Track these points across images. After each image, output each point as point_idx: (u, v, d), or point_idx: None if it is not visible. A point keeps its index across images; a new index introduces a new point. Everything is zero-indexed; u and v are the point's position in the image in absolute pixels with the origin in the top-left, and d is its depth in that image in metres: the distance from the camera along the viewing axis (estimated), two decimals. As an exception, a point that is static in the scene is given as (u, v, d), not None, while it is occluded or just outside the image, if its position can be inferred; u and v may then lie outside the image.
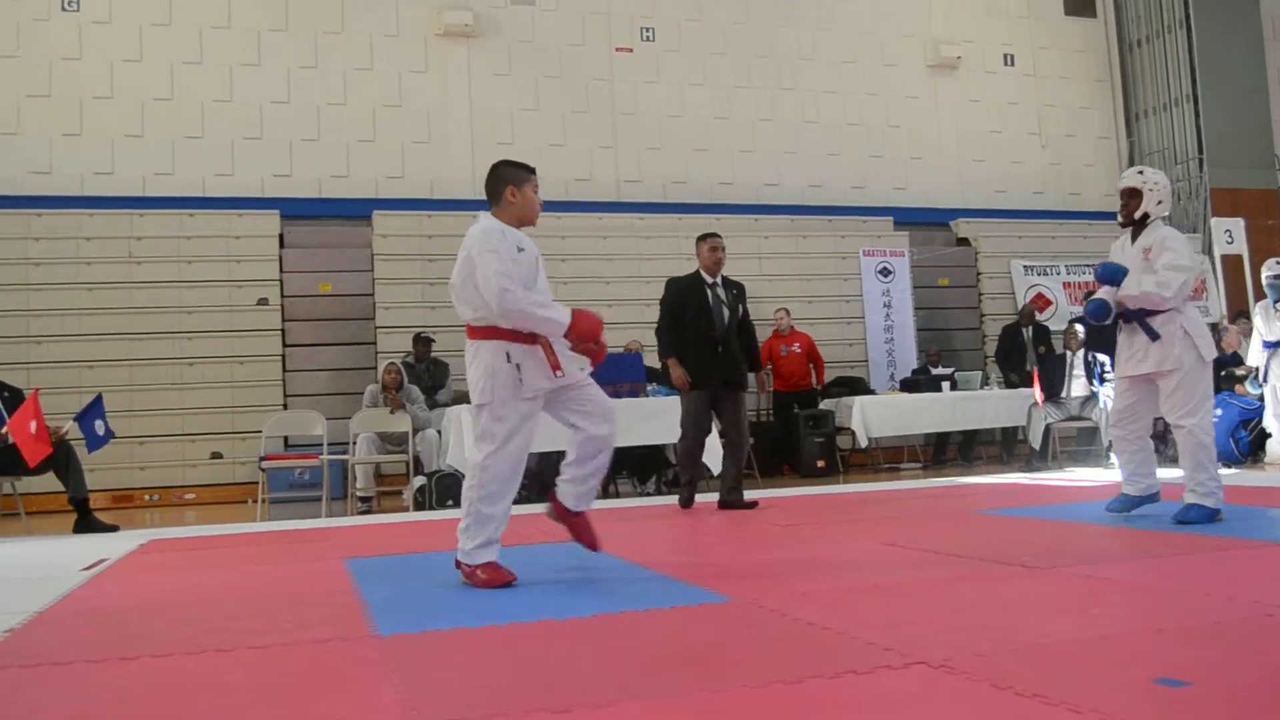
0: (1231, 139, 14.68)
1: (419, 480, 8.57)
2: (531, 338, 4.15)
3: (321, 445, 8.78)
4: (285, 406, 10.66)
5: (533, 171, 4.39)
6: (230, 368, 10.81)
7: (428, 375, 10.04)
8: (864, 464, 11.65)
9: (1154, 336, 5.05)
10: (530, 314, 4.09)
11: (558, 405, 4.31)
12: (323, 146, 12.04)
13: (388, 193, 12.13)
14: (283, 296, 11.16)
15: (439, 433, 8.94)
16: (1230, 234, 13.46)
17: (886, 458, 12.04)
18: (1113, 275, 5.16)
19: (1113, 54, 15.79)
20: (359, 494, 8.86)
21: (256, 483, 8.93)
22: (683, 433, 7.48)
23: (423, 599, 3.91)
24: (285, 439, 10.06)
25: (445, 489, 8.44)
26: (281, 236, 11.46)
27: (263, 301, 11.00)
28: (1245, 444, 9.69)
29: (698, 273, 7.57)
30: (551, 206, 12.27)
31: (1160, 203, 5.23)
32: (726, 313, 7.38)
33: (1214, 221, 13.67)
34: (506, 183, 4.30)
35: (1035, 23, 15.35)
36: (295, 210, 11.74)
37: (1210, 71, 14.76)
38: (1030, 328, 12.28)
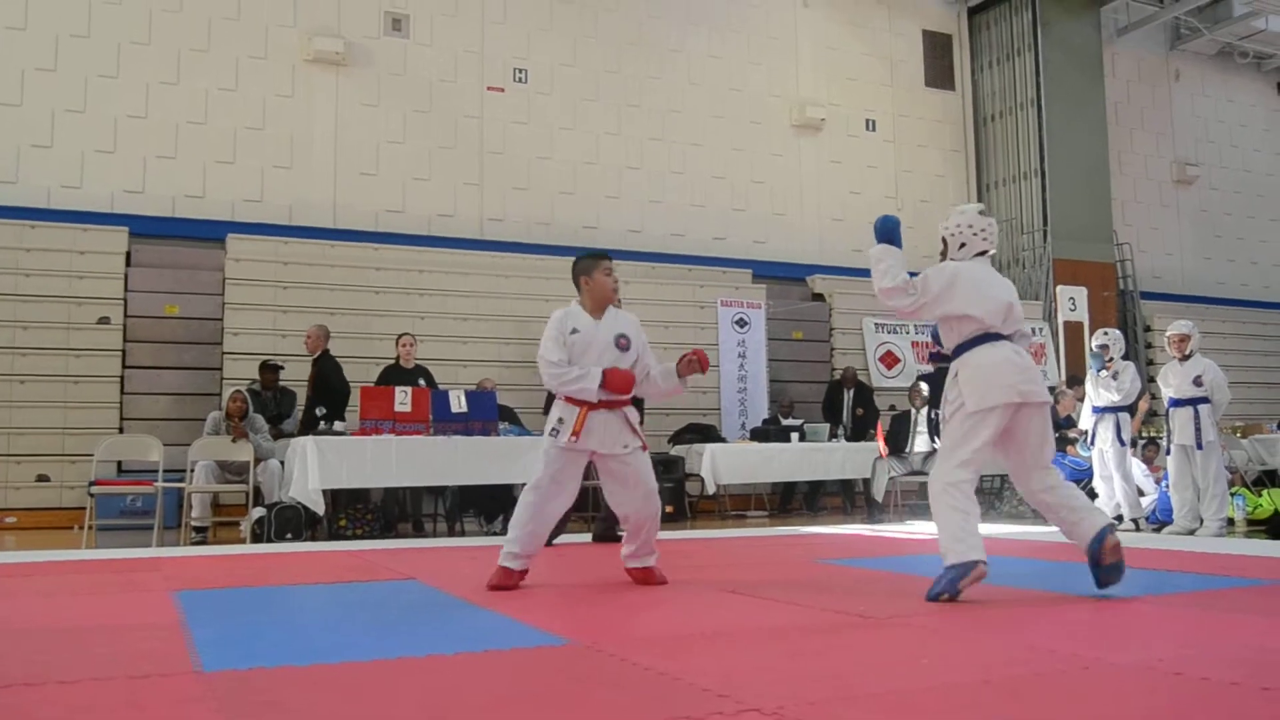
0: (1075, 213, 15.42)
1: (258, 511, 8.32)
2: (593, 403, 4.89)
3: (157, 472, 8.47)
4: (121, 430, 10.24)
5: (604, 256, 5.15)
6: (64, 387, 10.33)
7: (274, 404, 9.79)
8: (711, 510, 11.76)
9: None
10: (561, 387, 4.92)
11: (606, 472, 5.07)
12: (179, 164, 11.71)
13: (244, 216, 11.85)
14: (126, 316, 10.74)
15: (282, 463, 8.71)
16: (1074, 301, 14.11)
17: (734, 505, 12.18)
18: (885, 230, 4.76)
19: (968, 126, 16.47)
20: (194, 523, 8.55)
21: (85, 508, 8.53)
22: None
23: (253, 635, 3.78)
24: (119, 464, 9.68)
25: (285, 521, 8.21)
26: (129, 254, 11.06)
27: (104, 320, 10.58)
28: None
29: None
30: (412, 240, 12.33)
31: (963, 245, 4.73)
32: None
33: (1060, 289, 14.30)
34: (579, 274, 5.09)
35: (898, 91, 15.92)
36: (145, 228, 11.36)
37: (1057, 149, 15.51)
38: (852, 390, 12.60)
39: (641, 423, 5.18)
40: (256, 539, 8.19)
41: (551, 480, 4.95)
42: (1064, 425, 11.05)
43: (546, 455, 4.96)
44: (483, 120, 13.21)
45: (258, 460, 8.64)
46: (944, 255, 4.82)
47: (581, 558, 6.93)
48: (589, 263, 5.09)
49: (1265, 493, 9.91)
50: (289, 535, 8.18)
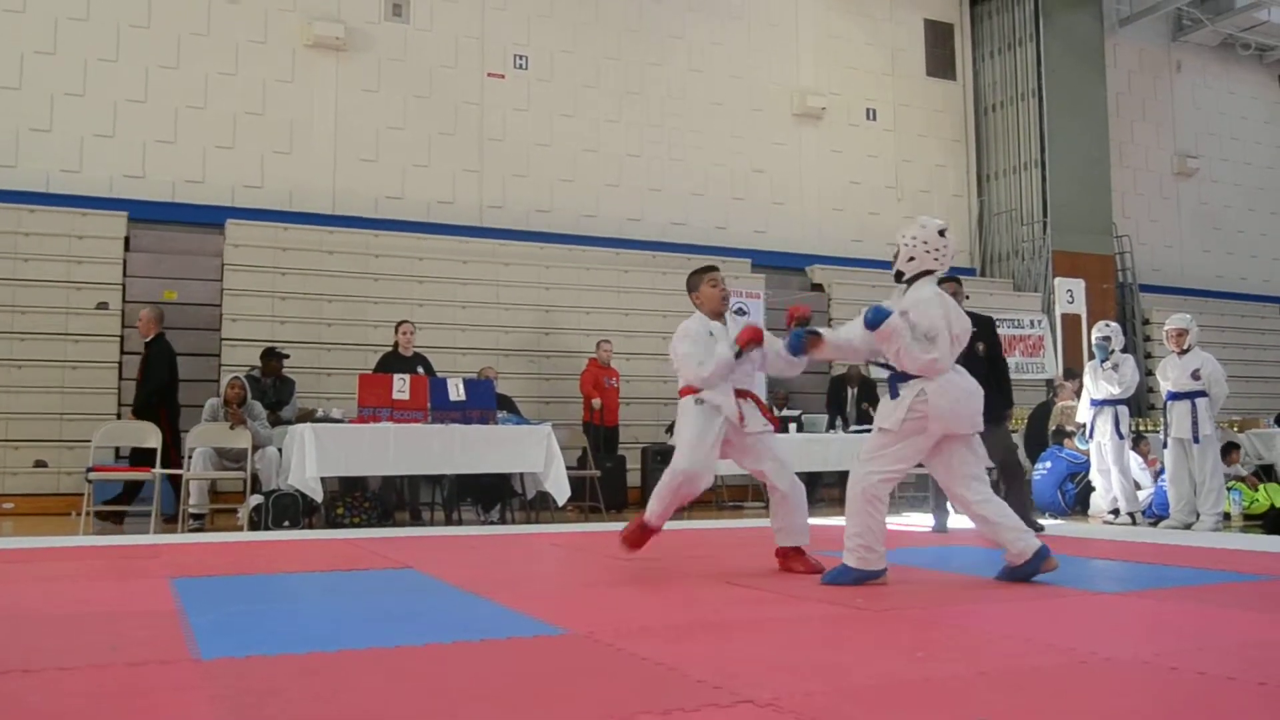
0: (1074, 205, 15.40)
1: (255, 499, 8.31)
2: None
3: (156, 458, 8.47)
4: (119, 416, 10.23)
5: (711, 269, 5.55)
6: (62, 372, 10.31)
7: (273, 391, 9.78)
8: (709, 501, 11.76)
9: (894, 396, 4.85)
10: (705, 373, 5.24)
11: (746, 452, 5.40)
12: (178, 149, 11.68)
13: (243, 201, 11.83)
14: (124, 302, 10.71)
15: (280, 451, 8.70)
16: (1071, 294, 14.10)
17: (731, 495, 12.18)
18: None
19: (969, 116, 16.44)
20: (192, 510, 8.55)
21: (82, 494, 8.53)
22: None
23: (250, 622, 3.79)
24: (116, 450, 9.67)
25: (282, 509, 8.21)
26: (127, 239, 11.05)
27: (102, 305, 10.56)
28: (1071, 496, 10.11)
29: None
30: (411, 227, 12.31)
31: (912, 259, 4.89)
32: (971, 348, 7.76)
33: (1057, 281, 14.29)
34: (691, 290, 5.52)
35: (898, 80, 15.89)
36: (144, 213, 11.34)
37: (1058, 140, 15.49)
38: (856, 387, 12.57)
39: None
40: (254, 526, 8.18)
41: (704, 457, 5.27)
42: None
43: (696, 432, 5.25)
44: (483, 107, 13.18)
45: (255, 447, 8.63)
46: (893, 261, 4.99)
47: (582, 547, 6.94)
48: (696, 278, 5.52)
49: (1262, 487, 9.93)
50: (286, 523, 8.18)
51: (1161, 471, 8.99)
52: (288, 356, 10.11)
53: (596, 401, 10.99)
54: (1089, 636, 3.48)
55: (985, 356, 7.34)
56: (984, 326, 7.48)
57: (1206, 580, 5.04)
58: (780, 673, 2.91)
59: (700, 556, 6.27)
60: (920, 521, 9.14)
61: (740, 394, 5.33)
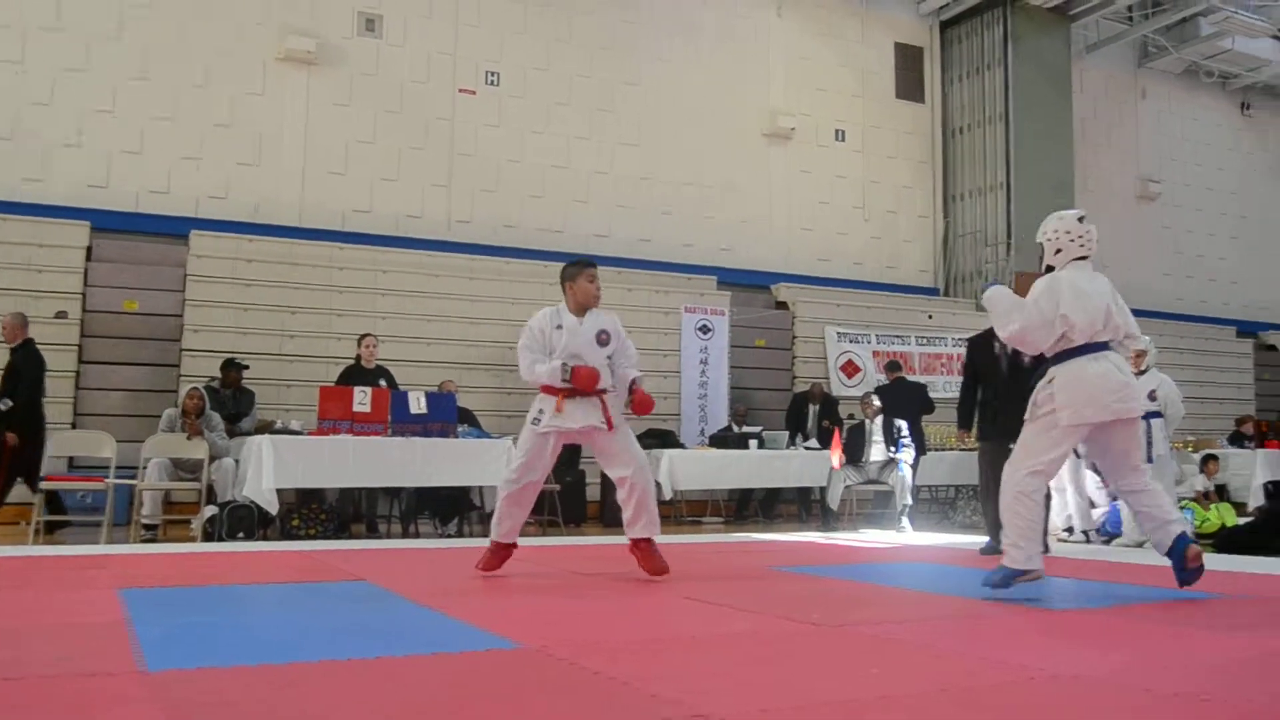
0: (1038, 227, 15.50)
1: (210, 510, 8.26)
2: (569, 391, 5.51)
3: (109, 468, 8.39)
4: (74, 425, 10.12)
5: (590, 264, 5.72)
6: (19, 382, 10.21)
7: (232, 403, 9.71)
8: (668, 516, 11.73)
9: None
10: (531, 375, 5.65)
11: (596, 449, 5.69)
12: (145, 160, 11.62)
13: (209, 213, 11.77)
14: (84, 311, 10.62)
15: (237, 462, 8.65)
16: (1033, 316, 14.17)
17: (690, 510, 12.19)
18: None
19: (936, 138, 16.58)
20: (144, 521, 8.47)
21: (33, 504, 8.42)
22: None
23: (200, 634, 3.77)
24: (70, 460, 9.57)
25: (238, 520, 8.15)
26: (90, 249, 10.95)
27: (61, 315, 10.46)
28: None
29: (989, 330, 7.52)
30: (378, 241, 12.29)
31: (1059, 251, 4.97)
32: (1005, 364, 7.54)
33: (1019, 303, 14.37)
34: (565, 279, 5.68)
35: (868, 102, 16.01)
36: (108, 223, 11.25)
37: (1024, 163, 15.64)
38: (818, 404, 12.63)
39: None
40: (208, 538, 8.13)
41: (524, 463, 5.61)
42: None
43: (522, 442, 5.68)
44: (453, 122, 13.18)
45: (212, 458, 8.58)
46: (1040, 260, 5.07)
47: (540, 561, 6.92)
48: (574, 269, 5.69)
49: (1214, 507, 10.04)
50: (241, 534, 8.13)
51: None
52: (247, 368, 10.05)
53: None
54: (1044, 654, 3.51)
55: (1028, 368, 7.06)
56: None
57: (1158, 598, 5.08)
58: (737, 689, 2.91)
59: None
60: (878, 538, 9.19)
61: (587, 394, 5.52)
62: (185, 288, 11.05)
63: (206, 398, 8.96)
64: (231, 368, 9.92)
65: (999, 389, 7.48)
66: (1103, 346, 4.73)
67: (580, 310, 5.68)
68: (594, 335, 5.64)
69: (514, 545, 5.82)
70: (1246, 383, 18.13)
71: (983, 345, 7.88)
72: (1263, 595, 5.31)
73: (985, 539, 7.75)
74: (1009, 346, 7.09)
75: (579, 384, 5.46)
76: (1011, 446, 5.00)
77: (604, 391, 5.60)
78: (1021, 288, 15.16)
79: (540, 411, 5.60)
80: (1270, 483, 11.89)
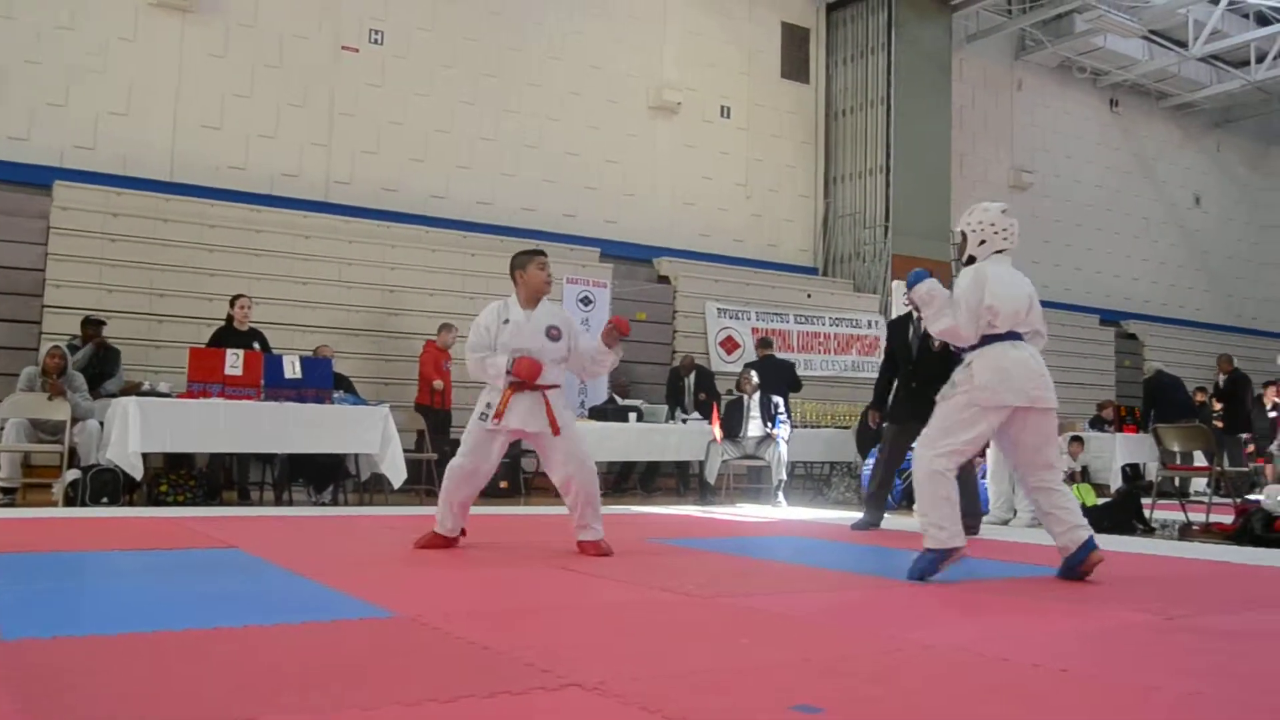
0: (916, 211, 15.87)
1: (72, 474, 7.96)
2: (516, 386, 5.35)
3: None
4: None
5: (540, 253, 5.60)
6: None
7: (95, 362, 9.35)
8: (546, 487, 11.72)
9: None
10: (477, 370, 5.47)
11: (539, 448, 5.56)
12: (5, 106, 11.06)
13: (74, 163, 11.28)
14: (-64, 261, 10.14)
15: (101, 424, 8.35)
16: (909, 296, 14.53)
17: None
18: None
19: (820, 119, 16.78)
20: (1, 484, 8.14)
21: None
22: None
23: (60, 602, 3.64)
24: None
25: (101, 484, 7.87)
26: (-57, 197, 10.43)
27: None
28: (898, 492, 10.38)
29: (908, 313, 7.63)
30: (253, 199, 11.95)
31: (983, 243, 4.95)
32: (916, 345, 7.58)
33: (895, 284, 14.72)
34: (514, 269, 5.55)
35: (754, 81, 16.11)
36: (-38, 171, 10.73)
37: (903, 147, 15.92)
38: (693, 374, 12.74)
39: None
40: (70, 502, 7.84)
41: (470, 458, 5.44)
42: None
43: (468, 435, 5.47)
44: (335, 80, 12.85)
45: (75, 420, 8.27)
46: (961, 250, 5.07)
47: (416, 530, 6.83)
48: (524, 258, 5.55)
49: (1075, 488, 10.40)
50: (105, 500, 7.86)
51: (983, 470, 9.33)
52: (104, 324, 9.66)
53: (438, 383, 10.88)
54: (907, 625, 3.59)
55: (938, 352, 7.26)
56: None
57: (1020, 573, 5.26)
58: (608, 657, 2.93)
59: (535, 542, 6.26)
60: (755, 513, 9.32)
61: (529, 388, 5.37)
62: (48, 241, 10.59)
63: (68, 356, 8.62)
64: (90, 324, 9.55)
65: (910, 372, 7.59)
66: (1017, 336, 4.74)
67: (531, 301, 5.51)
68: (544, 329, 5.45)
69: (456, 537, 5.64)
70: (1108, 369, 18.89)
71: (898, 328, 7.97)
72: (1119, 572, 5.52)
73: (858, 512, 7.93)
74: (922, 329, 7.26)
75: (520, 374, 5.28)
76: (917, 429, 4.98)
77: (550, 388, 5.43)
78: (899, 270, 15.51)
79: (487, 406, 5.41)
80: (1128, 465, 12.39)
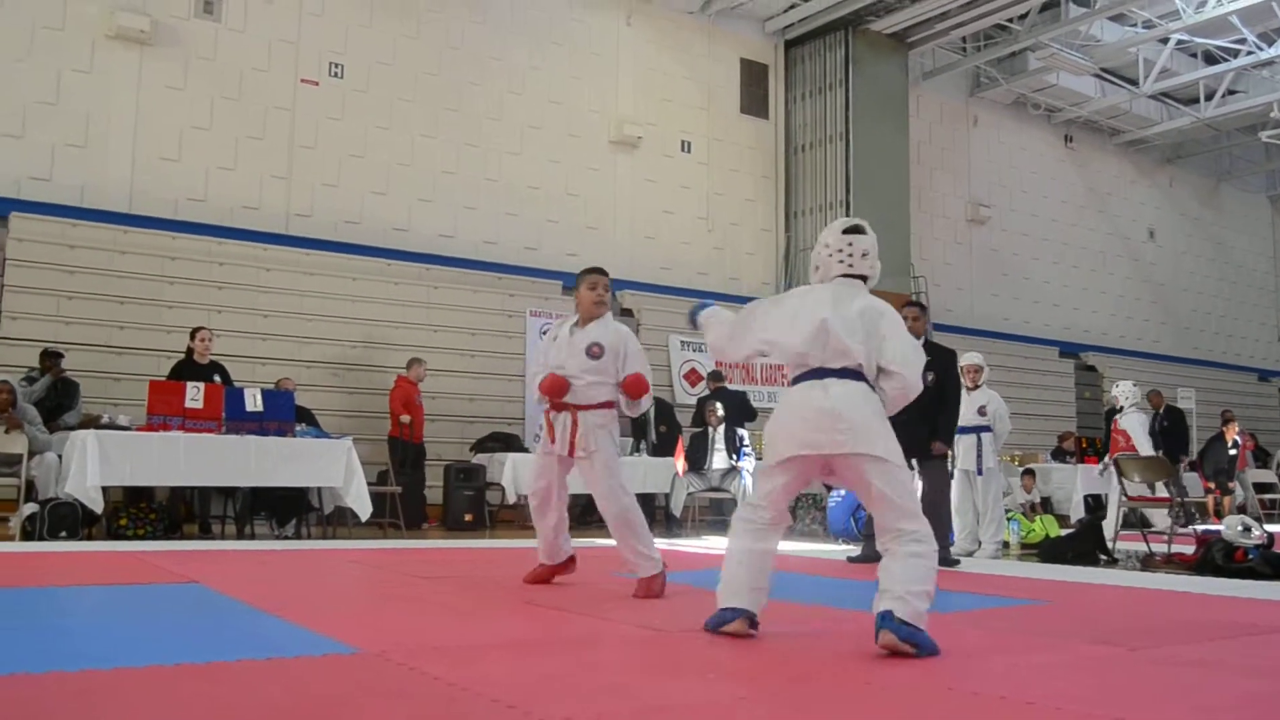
0: (876, 245, 15.97)
1: (30, 507, 7.84)
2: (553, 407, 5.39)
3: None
4: None
5: (591, 272, 5.53)
6: None
7: (53, 395, 9.23)
8: (511, 520, 11.70)
9: None
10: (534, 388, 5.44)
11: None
12: (-40, 137, 10.95)
13: (30, 194, 11.15)
14: (-109, 294, 9.99)
15: (60, 457, 8.23)
16: (869, 330, 14.65)
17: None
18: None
19: (780, 154, 16.92)
20: (-44, 519, 8.01)
21: None
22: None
23: (17, 638, 3.57)
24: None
25: (60, 518, 7.77)
26: (-103, 231, 10.28)
27: None
28: (863, 523, 10.43)
29: None
30: (214, 231, 11.87)
31: (817, 269, 4.17)
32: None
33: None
34: (575, 289, 5.53)
35: (713, 116, 16.23)
36: (-83, 202, 10.59)
37: (862, 182, 16.07)
38: (652, 408, 12.72)
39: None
40: (27, 537, 7.72)
41: (536, 482, 5.51)
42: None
43: (534, 460, 5.60)
44: (294, 113, 12.81)
45: (32, 453, 8.15)
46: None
47: (380, 565, 6.78)
48: (579, 278, 5.54)
49: (1038, 519, 10.50)
50: (63, 534, 7.76)
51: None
52: (62, 356, 9.56)
53: (405, 417, 10.83)
54: (873, 659, 3.59)
55: (933, 386, 6.99)
56: (941, 358, 7.50)
57: (983, 605, 5.28)
58: (574, 693, 2.92)
59: (502, 576, 6.22)
60: (719, 545, 9.30)
61: (561, 407, 5.33)
62: (4, 273, 10.48)
63: (16, 390, 8.50)
64: (47, 356, 9.44)
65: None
66: (828, 373, 3.88)
67: (584, 320, 5.45)
68: (584, 347, 5.31)
69: (562, 565, 5.62)
70: (1068, 400, 19.12)
71: None
72: (1082, 602, 5.57)
73: (825, 545, 7.95)
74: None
75: (543, 391, 5.30)
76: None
77: (582, 408, 5.27)
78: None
79: (540, 427, 5.50)
80: (1090, 496, 12.51)
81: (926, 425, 7.16)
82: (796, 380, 3.97)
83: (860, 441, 3.76)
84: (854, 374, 3.87)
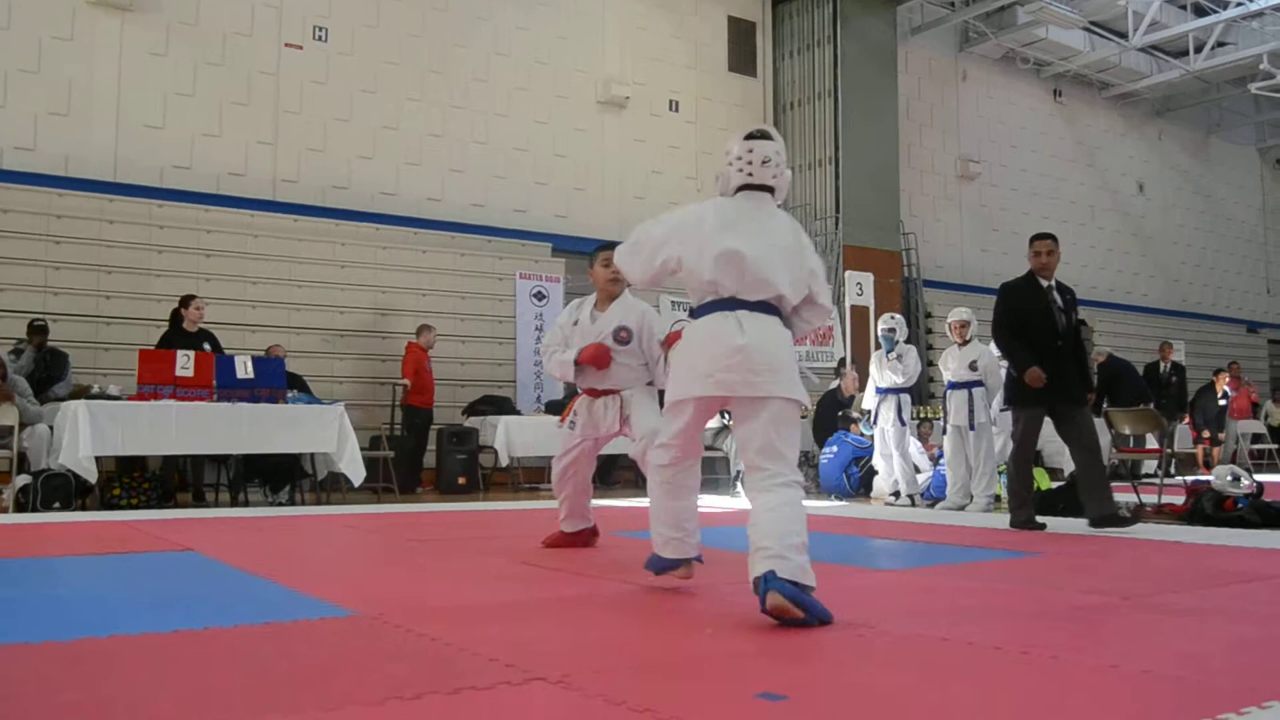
0: (865, 202, 15.97)
1: (23, 479, 7.84)
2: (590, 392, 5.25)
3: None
4: None
5: (603, 248, 5.20)
6: None
7: (42, 366, 9.20)
8: (504, 483, 11.73)
9: None
10: (549, 366, 5.37)
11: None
12: (-59, 106, 10.84)
13: (14, 164, 11.05)
14: (-127, 266, 9.92)
15: (51, 428, 8.22)
16: (860, 286, 14.70)
17: (527, 477, 12.17)
18: None
19: (768, 112, 16.83)
20: (-50, 491, 8.00)
21: None
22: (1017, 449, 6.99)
23: (12, 607, 3.59)
24: None
25: (53, 489, 7.77)
26: (-120, 200, 10.20)
27: None
28: (855, 479, 10.51)
29: (1031, 275, 7.02)
30: (200, 199, 11.79)
31: (719, 179, 3.86)
32: (1063, 319, 6.86)
33: (847, 274, 14.85)
34: (589, 270, 5.32)
35: (701, 74, 16.13)
36: (-100, 173, 10.50)
37: (851, 140, 16.00)
38: None
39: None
40: (21, 508, 7.73)
41: (561, 456, 5.40)
42: (846, 404, 11.50)
43: (562, 439, 5.38)
44: (279, 78, 12.69)
45: (23, 425, 8.14)
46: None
47: (375, 529, 6.80)
48: (593, 256, 5.30)
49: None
50: (57, 504, 7.77)
51: (940, 456, 9.43)
52: (46, 330, 9.51)
53: (406, 381, 10.89)
54: (868, 611, 3.62)
55: (1077, 327, 6.91)
56: (1073, 295, 7.19)
57: (976, 558, 5.31)
58: (571, 650, 2.93)
59: (495, 537, 6.24)
60: (713, 503, 9.34)
61: (596, 393, 5.21)
62: (-11, 244, 10.41)
63: (6, 362, 8.47)
64: (35, 329, 9.40)
65: (1055, 349, 6.82)
66: (740, 304, 3.59)
67: (603, 300, 5.22)
68: (612, 332, 5.09)
69: (582, 532, 5.59)
70: (1057, 355, 19.10)
71: (1027, 293, 7.13)
72: (1073, 553, 5.60)
73: (815, 501, 7.97)
74: (1062, 297, 6.86)
75: (587, 362, 5.06)
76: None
77: (617, 392, 5.15)
78: (850, 260, 15.55)
79: (574, 414, 5.28)
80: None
81: (1076, 365, 6.94)
82: (703, 309, 3.67)
83: (777, 385, 3.50)
84: (768, 307, 3.60)
